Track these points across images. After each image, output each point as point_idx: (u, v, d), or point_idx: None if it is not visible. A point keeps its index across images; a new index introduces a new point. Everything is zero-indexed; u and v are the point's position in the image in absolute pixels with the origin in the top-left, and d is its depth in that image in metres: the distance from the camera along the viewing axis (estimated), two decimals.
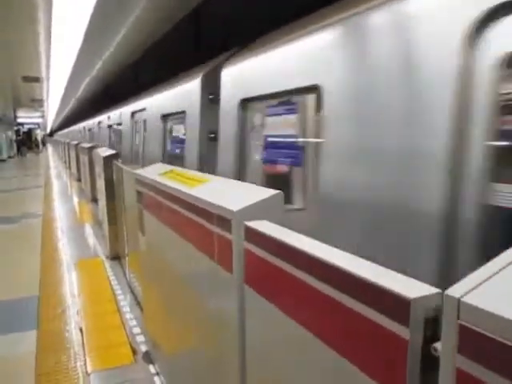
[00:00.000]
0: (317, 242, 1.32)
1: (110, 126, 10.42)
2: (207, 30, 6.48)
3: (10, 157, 32.52)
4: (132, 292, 4.66)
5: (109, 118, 8.83)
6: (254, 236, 1.50)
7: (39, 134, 52.91)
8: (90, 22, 6.62)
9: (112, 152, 6.16)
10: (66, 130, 31.90)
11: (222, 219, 1.70)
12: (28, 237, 7.38)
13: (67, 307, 4.35)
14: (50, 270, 5.51)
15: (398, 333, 0.88)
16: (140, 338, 3.67)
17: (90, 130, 13.78)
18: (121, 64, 9.60)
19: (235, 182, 2.21)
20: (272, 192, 1.67)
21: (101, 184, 6.56)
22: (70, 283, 5.06)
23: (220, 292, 1.80)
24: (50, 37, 8.20)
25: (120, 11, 6.11)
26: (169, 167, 3.15)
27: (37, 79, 13.87)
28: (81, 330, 3.83)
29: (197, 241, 2.02)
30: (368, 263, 1.10)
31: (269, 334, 1.46)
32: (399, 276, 0.98)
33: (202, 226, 1.91)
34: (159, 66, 9.05)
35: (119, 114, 8.40)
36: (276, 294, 1.39)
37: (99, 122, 11.36)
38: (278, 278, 1.35)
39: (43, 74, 13.29)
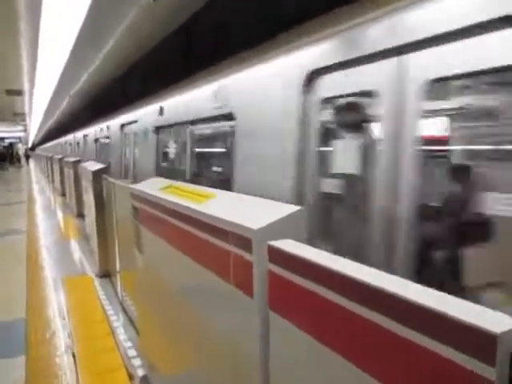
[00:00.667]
0: (352, 262, 1.20)
1: (96, 140, 10.22)
2: (196, 43, 6.40)
3: None
4: (125, 312, 4.46)
5: (101, 130, 8.60)
6: (279, 257, 1.37)
7: (21, 148, 52.00)
8: (78, 35, 6.48)
9: (101, 166, 5.98)
10: (49, 144, 31.41)
11: (240, 238, 1.57)
12: (12, 254, 7.09)
13: (57, 330, 4.13)
14: (37, 290, 5.27)
15: (478, 372, 0.77)
16: (136, 362, 3.48)
17: (77, 143, 13.53)
18: (108, 77, 9.44)
19: (245, 196, 2.09)
20: (295, 208, 1.56)
21: (89, 199, 6.35)
22: (59, 303, 4.83)
23: (237, 317, 1.66)
24: (36, 49, 8.01)
25: (109, 24, 5.99)
26: (166, 181, 3.01)
27: (20, 92, 13.59)
28: (73, 354, 3.62)
29: (208, 261, 1.88)
30: (422, 287, 0.99)
31: (300, 367, 1.33)
32: (468, 305, 0.86)
33: (215, 245, 1.78)
34: (147, 79, 8.92)
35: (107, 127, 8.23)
36: (310, 321, 1.26)
37: (85, 136, 11.13)
38: (313, 303, 1.23)
39: (26, 87, 13.02)
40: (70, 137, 16.14)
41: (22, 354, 3.63)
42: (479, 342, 0.76)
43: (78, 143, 13.08)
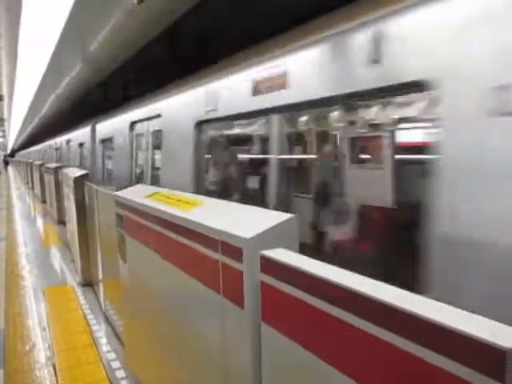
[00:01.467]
0: (347, 272, 1.17)
1: (81, 144, 10.08)
2: (182, 46, 6.35)
3: None
4: (108, 322, 4.35)
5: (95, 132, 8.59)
6: (272, 267, 1.33)
7: None
8: (60, 38, 6.36)
9: (83, 172, 5.86)
10: (28, 150, 30.83)
11: (230, 247, 1.52)
12: None
13: (37, 341, 4.00)
14: (16, 299, 5.11)
15: None
16: (120, 374, 3.37)
17: (56, 149, 13.29)
18: (90, 81, 9.29)
19: (233, 204, 2.05)
20: (286, 216, 1.51)
21: (70, 206, 6.21)
22: (39, 314, 4.68)
23: (227, 329, 1.60)
24: (16, 52, 7.84)
25: (92, 26, 5.89)
26: (152, 188, 2.95)
27: None
28: (53, 366, 3.50)
29: (196, 271, 1.83)
30: (422, 298, 0.95)
31: (293, 380, 1.28)
32: (476, 318, 0.83)
33: (204, 254, 1.72)
34: (131, 82, 8.82)
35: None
36: (303, 333, 1.22)
37: (68, 141, 10.96)
38: (307, 314, 1.18)
39: (6, 92, 12.76)
40: (51, 141, 15.88)
41: (0, 368, 3.50)
42: (487, 357, 0.73)
43: (60, 148, 12.84)
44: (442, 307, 0.90)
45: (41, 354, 3.76)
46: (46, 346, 3.90)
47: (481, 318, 0.83)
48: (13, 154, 57.23)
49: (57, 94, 11.86)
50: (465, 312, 0.86)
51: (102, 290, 4.65)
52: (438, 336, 0.82)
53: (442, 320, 0.82)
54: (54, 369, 3.47)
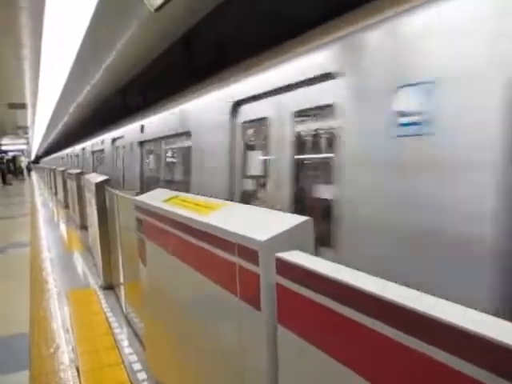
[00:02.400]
0: (365, 275, 1.17)
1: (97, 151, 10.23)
2: (198, 53, 6.43)
3: None
4: (130, 325, 4.41)
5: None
6: (288, 269, 1.34)
7: (24, 161, 52.24)
8: (81, 47, 6.51)
9: (104, 178, 5.97)
10: (51, 156, 31.49)
11: (246, 250, 1.54)
12: (16, 267, 7.06)
13: (61, 344, 4.09)
14: (41, 303, 5.23)
15: None
16: (142, 376, 3.42)
17: (77, 155, 13.55)
18: (111, 88, 9.48)
19: (251, 207, 2.06)
20: (301, 218, 1.52)
21: (92, 211, 6.34)
22: (63, 317, 4.78)
23: (245, 331, 1.62)
24: (39, 62, 8.05)
25: (111, 35, 6.02)
26: (171, 193, 2.99)
27: (23, 105, 13.66)
28: (77, 368, 3.57)
29: (214, 273, 1.85)
30: (444, 302, 0.94)
31: (310, 382, 1.29)
32: (499, 322, 0.82)
33: (221, 257, 1.75)
34: (150, 89, 8.96)
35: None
36: (321, 335, 1.22)
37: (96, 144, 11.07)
38: (323, 316, 1.19)
39: (29, 101, 13.09)
40: (74, 148, 16.14)
41: (26, 369, 3.59)
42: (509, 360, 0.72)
43: (84, 155, 13.05)
44: (462, 311, 0.89)
45: (64, 356, 3.84)
46: (70, 348, 3.98)
47: (504, 321, 0.82)
48: (36, 160, 58.62)
49: (78, 102, 12.13)
50: (488, 316, 0.85)
51: (123, 293, 4.73)
52: (458, 339, 0.81)
53: (462, 324, 0.81)
54: (78, 371, 3.54)
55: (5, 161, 41.67)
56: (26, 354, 3.87)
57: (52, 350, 3.95)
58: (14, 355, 3.88)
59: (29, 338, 4.22)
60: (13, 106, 13.42)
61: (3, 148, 39.06)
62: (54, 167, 20.36)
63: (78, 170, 10.98)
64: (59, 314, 4.87)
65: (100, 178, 5.96)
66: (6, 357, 3.87)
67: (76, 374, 3.50)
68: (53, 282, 6.16)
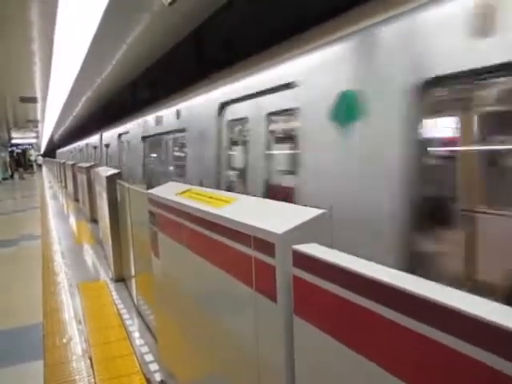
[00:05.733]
0: (382, 267, 1.18)
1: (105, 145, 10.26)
2: (209, 48, 6.42)
3: (4, 178, 31.92)
4: (141, 316, 4.46)
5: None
6: (304, 261, 1.35)
7: (33, 154, 52.66)
8: (92, 41, 6.54)
9: (115, 171, 6.02)
10: (61, 150, 31.69)
11: (262, 242, 1.56)
12: (28, 260, 7.16)
13: (73, 334, 4.15)
14: (53, 295, 5.30)
15: None
16: (153, 367, 3.47)
17: (94, 147, 13.62)
18: (121, 81, 9.51)
19: (266, 200, 2.07)
20: (318, 211, 1.54)
21: (103, 204, 6.40)
22: (75, 308, 4.85)
23: (260, 323, 1.64)
24: (50, 56, 8.09)
25: (122, 29, 6.05)
26: (184, 186, 3.01)
27: (34, 99, 13.75)
28: (90, 358, 3.63)
29: (229, 266, 1.87)
30: (462, 293, 0.95)
31: (327, 374, 1.30)
32: None
33: (236, 250, 1.76)
34: (160, 83, 8.97)
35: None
36: (338, 326, 1.24)
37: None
38: (341, 307, 1.21)
39: (40, 94, 13.17)
40: (86, 141, 16.21)
41: (40, 359, 3.65)
42: None
43: (97, 148, 13.09)
44: (479, 300, 0.90)
45: (77, 346, 3.90)
46: (82, 339, 4.04)
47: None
48: (46, 153, 58.99)
49: (88, 95, 12.19)
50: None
51: (134, 285, 4.78)
52: (474, 328, 0.83)
53: (482, 314, 0.82)
54: (91, 361, 3.60)
55: (15, 154, 42.05)
56: (41, 344, 3.94)
57: (65, 341, 4.01)
58: (29, 345, 3.95)
59: (42, 328, 4.29)
60: (24, 99, 13.50)
61: (13, 142, 39.35)
62: (63, 161, 20.52)
63: (89, 164, 11.06)
64: (71, 306, 4.94)
65: (110, 172, 6.00)
66: (21, 346, 3.94)
67: (89, 363, 3.56)
68: (64, 274, 6.24)
